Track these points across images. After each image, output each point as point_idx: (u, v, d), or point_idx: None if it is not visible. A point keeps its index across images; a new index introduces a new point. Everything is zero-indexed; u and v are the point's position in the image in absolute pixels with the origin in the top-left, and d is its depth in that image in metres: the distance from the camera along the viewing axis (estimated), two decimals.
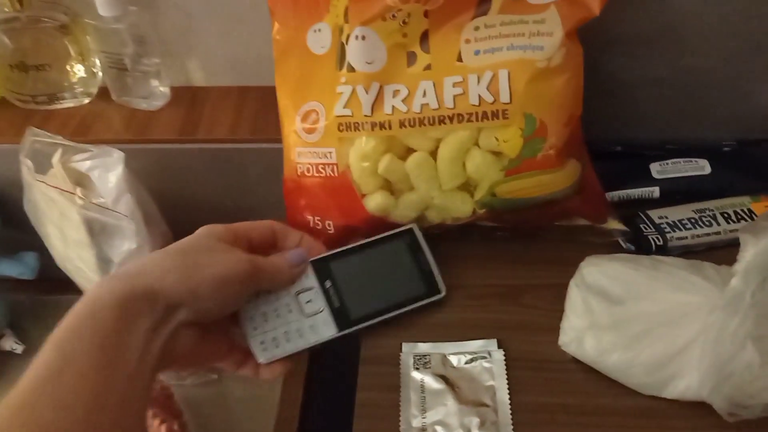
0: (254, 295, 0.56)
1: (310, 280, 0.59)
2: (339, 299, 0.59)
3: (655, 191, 0.69)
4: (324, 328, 0.57)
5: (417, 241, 0.63)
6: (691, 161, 0.70)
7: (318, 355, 0.81)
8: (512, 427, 0.54)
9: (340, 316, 0.58)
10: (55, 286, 0.84)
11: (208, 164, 0.80)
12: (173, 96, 0.83)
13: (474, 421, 0.54)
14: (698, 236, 0.65)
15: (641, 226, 0.66)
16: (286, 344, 0.56)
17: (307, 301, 0.58)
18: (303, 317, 0.57)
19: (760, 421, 0.52)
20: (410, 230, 0.63)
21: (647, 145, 0.74)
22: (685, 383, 0.54)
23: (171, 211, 0.75)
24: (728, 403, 0.52)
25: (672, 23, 0.69)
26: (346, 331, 0.58)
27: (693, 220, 0.66)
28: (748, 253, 0.52)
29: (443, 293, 0.62)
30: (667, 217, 0.66)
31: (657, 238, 0.65)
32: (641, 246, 0.65)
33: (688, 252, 0.65)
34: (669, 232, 0.65)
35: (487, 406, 0.55)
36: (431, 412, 0.55)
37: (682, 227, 0.65)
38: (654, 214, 0.67)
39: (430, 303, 0.61)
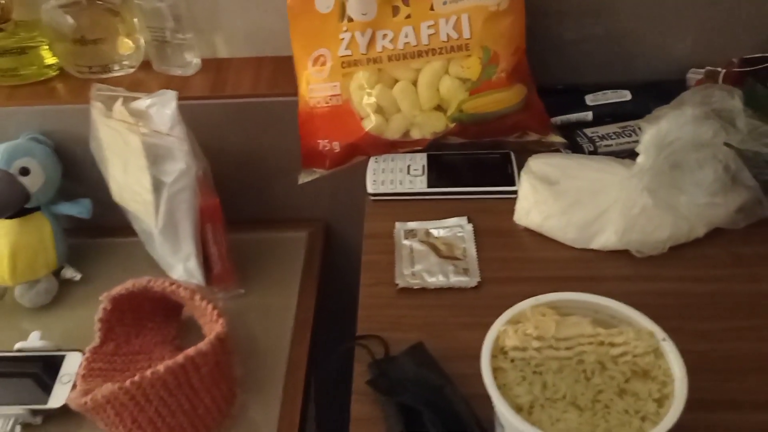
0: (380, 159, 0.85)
1: (422, 160, 0.84)
2: (435, 173, 0.82)
3: (589, 115, 0.89)
4: (418, 183, 0.81)
5: (509, 156, 0.84)
6: (617, 92, 0.89)
7: (326, 266, 0.99)
8: (479, 271, 0.72)
9: (432, 180, 0.82)
10: (105, 231, 1.03)
11: (234, 116, 0.98)
12: (202, 66, 1.01)
13: (450, 268, 0.72)
14: (621, 144, 0.84)
15: (577, 138, 0.85)
16: (389, 185, 0.82)
17: (414, 170, 0.82)
18: (407, 174, 0.82)
19: (662, 256, 0.70)
20: (508, 153, 0.84)
21: (585, 85, 0.93)
22: (606, 236, 0.72)
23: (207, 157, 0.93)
24: (636, 243, 0.70)
25: None
26: (433, 189, 0.81)
27: (617, 133, 0.85)
28: (647, 135, 0.71)
29: (516, 187, 0.79)
30: (597, 132, 0.86)
31: (589, 146, 0.84)
32: (577, 152, 0.84)
33: (618, 155, 0.84)
34: (599, 142, 0.84)
35: (460, 259, 0.73)
36: (418, 265, 0.73)
37: (609, 138, 0.84)
38: (588, 131, 0.86)
39: (504, 192, 0.80)
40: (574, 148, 0.84)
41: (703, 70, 0.90)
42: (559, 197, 0.74)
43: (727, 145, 0.71)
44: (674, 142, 0.70)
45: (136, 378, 0.72)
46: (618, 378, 0.49)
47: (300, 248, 1.04)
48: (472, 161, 0.84)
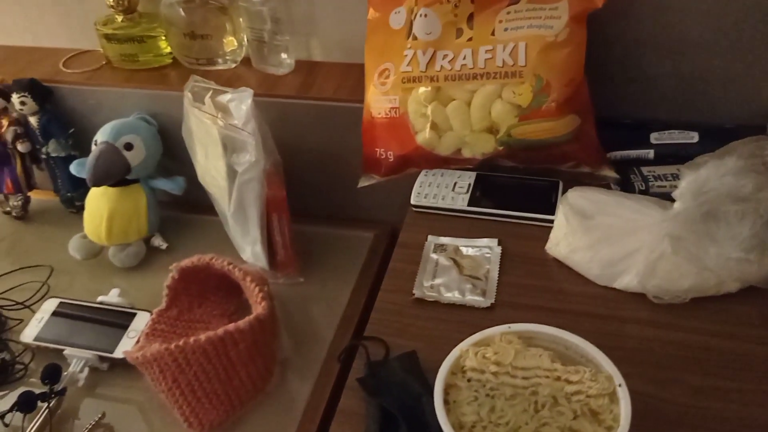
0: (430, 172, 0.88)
1: (470, 178, 0.87)
2: (479, 193, 0.85)
3: (650, 153, 0.86)
4: (459, 201, 0.84)
5: (557, 185, 0.85)
6: (684, 132, 0.86)
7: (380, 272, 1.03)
8: (495, 293, 0.74)
9: (474, 199, 0.84)
10: (193, 207, 1.14)
11: (315, 117, 1.05)
12: (296, 67, 1.09)
13: (468, 287, 0.74)
14: (675, 186, 0.82)
15: (631, 175, 0.84)
16: (432, 199, 0.85)
17: (459, 187, 0.85)
18: (451, 191, 0.85)
19: (685, 306, 0.69)
20: (557, 181, 0.86)
21: (654, 122, 0.90)
22: (629, 278, 0.72)
23: (287, 150, 1.00)
24: (655, 289, 0.69)
25: (690, 34, 0.88)
26: (472, 208, 0.83)
27: (674, 175, 0.83)
28: (684, 181, 0.70)
29: (555, 216, 0.80)
30: (654, 172, 0.84)
31: (641, 184, 0.82)
32: (627, 190, 0.82)
33: (666, 198, 0.82)
34: (652, 182, 0.82)
35: (480, 279, 0.75)
36: (439, 279, 0.76)
37: (664, 179, 0.82)
38: (645, 169, 0.84)
39: (543, 220, 0.81)
40: (624, 184, 0.83)
41: None
42: (588, 232, 0.74)
43: None
44: (711, 192, 0.68)
45: (181, 342, 0.80)
46: (567, 415, 0.50)
47: (364, 248, 1.09)
48: (519, 186, 0.85)
